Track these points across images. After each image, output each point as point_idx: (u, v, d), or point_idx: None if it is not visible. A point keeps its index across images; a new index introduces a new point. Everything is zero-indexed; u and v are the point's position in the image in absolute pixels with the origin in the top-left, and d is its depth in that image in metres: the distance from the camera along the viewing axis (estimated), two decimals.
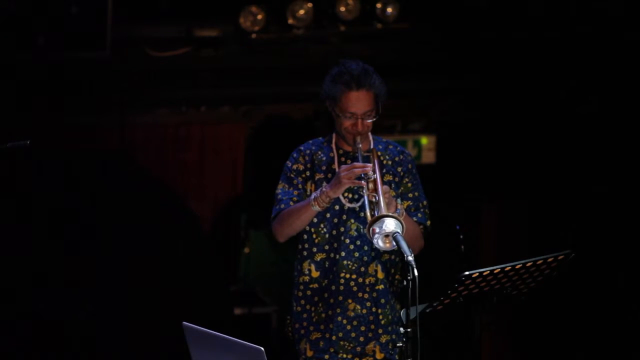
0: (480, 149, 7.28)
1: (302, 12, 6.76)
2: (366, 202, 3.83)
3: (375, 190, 3.82)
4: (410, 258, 3.49)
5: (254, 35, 6.79)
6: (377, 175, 3.87)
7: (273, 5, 6.78)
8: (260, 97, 7.37)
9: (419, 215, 4.15)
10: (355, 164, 3.91)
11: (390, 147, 4.21)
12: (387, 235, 3.63)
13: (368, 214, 3.79)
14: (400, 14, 6.85)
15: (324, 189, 3.95)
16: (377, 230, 3.64)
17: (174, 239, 7.07)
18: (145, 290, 6.88)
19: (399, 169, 4.17)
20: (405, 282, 3.49)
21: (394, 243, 3.63)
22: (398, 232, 3.61)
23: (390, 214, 3.67)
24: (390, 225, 3.62)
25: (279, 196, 4.12)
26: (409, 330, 3.55)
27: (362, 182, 3.86)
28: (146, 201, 7.08)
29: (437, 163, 7.51)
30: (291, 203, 4.08)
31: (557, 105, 6.95)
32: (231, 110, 7.41)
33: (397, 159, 4.18)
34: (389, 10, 6.82)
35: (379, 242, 3.65)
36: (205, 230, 7.30)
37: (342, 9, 6.78)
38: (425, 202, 4.18)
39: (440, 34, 6.94)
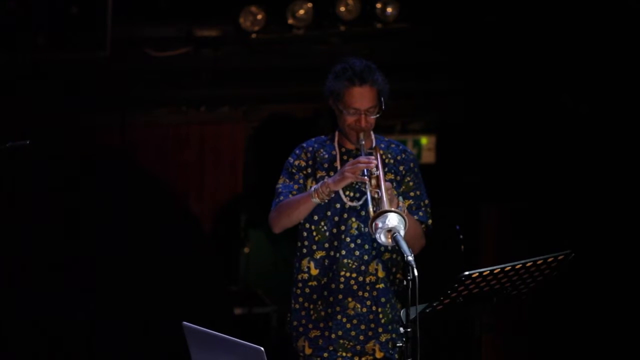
0: (480, 149, 7.28)
1: (302, 12, 6.76)
2: (369, 198, 3.83)
3: (378, 186, 3.82)
4: (410, 258, 3.48)
5: (254, 35, 6.80)
6: (380, 171, 3.87)
7: (273, 5, 6.78)
8: (260, 97, 7.36)
9: (420, 214, 4.15)
10: (360, 158, 3.91)
11: (392, 145, 4.22)
12: (389, 230, 3.62)
13: (371, 209, 3.78)
14: (400, 14, 6.85)
15: (325, 181, 3.96)
16: (380, 225, 3.63)
17: (173, 239, 7.07)
18: (145, 290, 6.88)
19: (401, 168, 4.17)
20: (405, 282, 3.49)
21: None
22: (398, 233, 3.60)
23: (393, 209, 3.67)
24: (393, 220, 3.62)
25: (279, 189, 4.14)
26: (408, 330, 3.55)
27: (365, 177, 3.87)
28: (146, 201, 7.08)
29: (437, 163, 7.51)
30: (290, 196, 4.08)
31: (558, 105, 6.94)
32: (231, 110, 7.41)
33: (399, 157, 4.19)
34: (389, 10, 6.82)
35: (381, 237, 3.64)
36: (205, 230, 7.30)
37: (342, 9, 6.78)
38: (426, 201, 4.18)
39: (440, 34, 6.93)
